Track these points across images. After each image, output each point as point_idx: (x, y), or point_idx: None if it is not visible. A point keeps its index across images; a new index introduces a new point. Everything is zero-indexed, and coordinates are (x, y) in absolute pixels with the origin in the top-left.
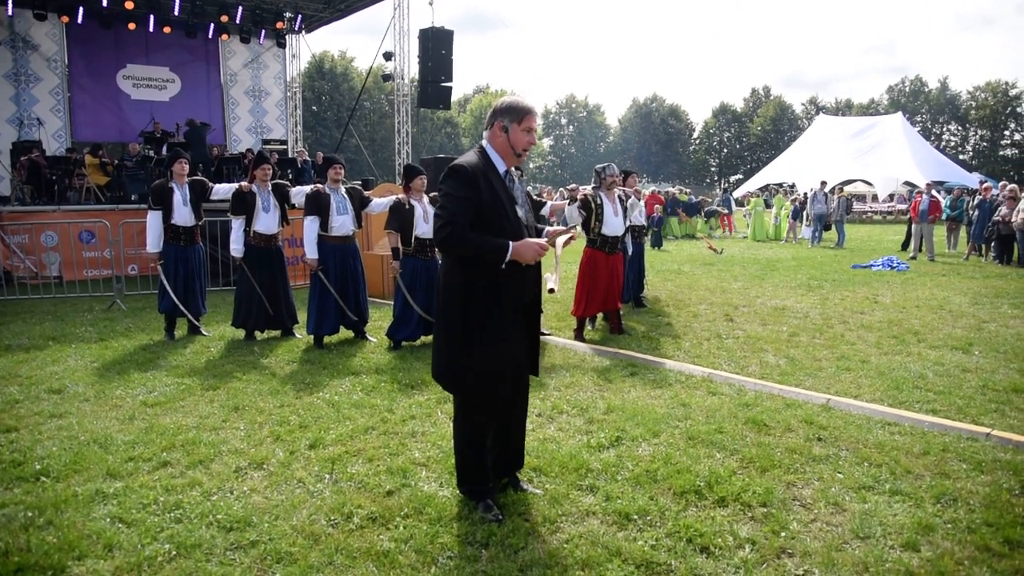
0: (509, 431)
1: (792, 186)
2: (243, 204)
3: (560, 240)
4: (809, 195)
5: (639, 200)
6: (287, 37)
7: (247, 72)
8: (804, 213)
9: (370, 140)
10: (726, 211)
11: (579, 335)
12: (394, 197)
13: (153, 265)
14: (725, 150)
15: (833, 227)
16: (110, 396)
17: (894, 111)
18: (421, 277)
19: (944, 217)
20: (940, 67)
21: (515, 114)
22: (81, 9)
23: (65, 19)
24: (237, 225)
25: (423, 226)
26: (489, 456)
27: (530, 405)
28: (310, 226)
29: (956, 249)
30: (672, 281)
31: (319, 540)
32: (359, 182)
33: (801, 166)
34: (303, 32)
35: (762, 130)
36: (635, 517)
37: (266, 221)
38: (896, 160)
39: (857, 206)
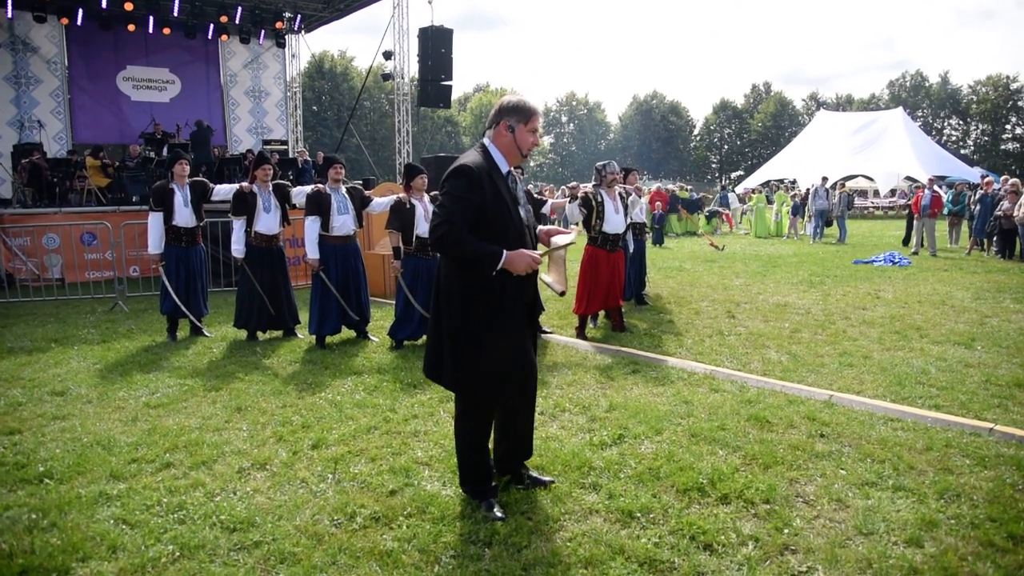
0: (516, 422)
1: (793, 182)
2: (244, 205)
3: (560, 240)
4: (811, 191)
5: (640, 197)
6: (287, 37)
7: (247, 72)
8: (805, 209)
9: (371, 139)
10: (726, 210)
11: (581, 333)
12: (395, 196)
13: (155, 266)
14: (726, 146)
15: (835, 223)
16: (113, 398)
17: (895, 106)
18: (422, 276)
19: (946, 212)
20: (940, 62)
21: (522, 114)
22: (80, 11)
23: (65, 21)
24: (238, 226)
25: (424, 225)
26: (489, 456)
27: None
28: (311, 226)
29: (958, 244)
30: (674, 278)
31: (322, 540)
32: (360, 182)
33: (802, 162)
34: (302, 32)
35: (763, 126)
36: (638, 515)
37: (267, 221)
38: (897, 155)
39: (858, 201)
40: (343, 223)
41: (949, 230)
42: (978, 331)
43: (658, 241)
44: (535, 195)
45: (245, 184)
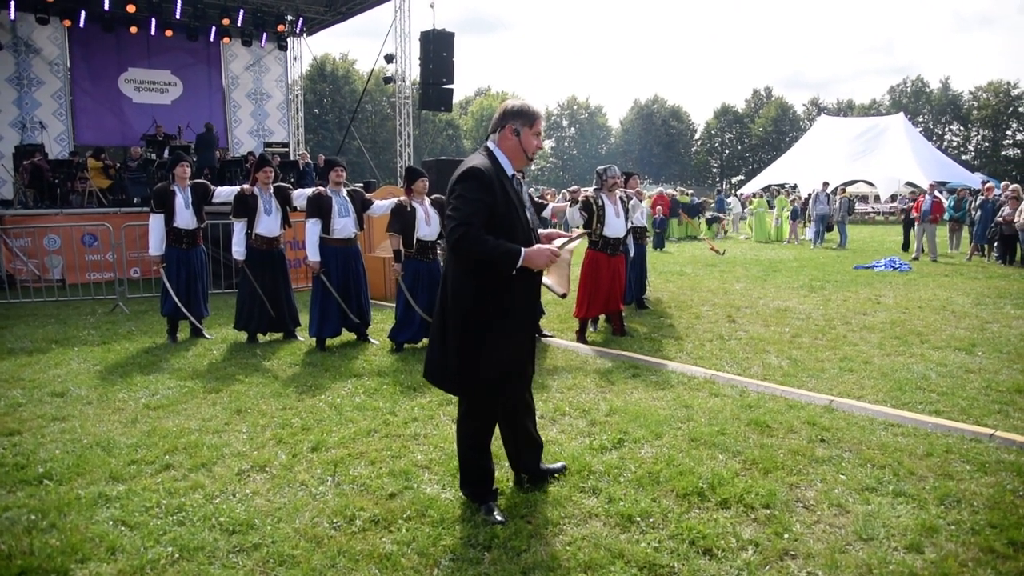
0: (517, 421)
1: (794, 187)
2: (245, 207)
3: (567, 244)
4: (811, 196)
5: (641, 202)
6: (288, 40)
7: (249, 75)
8: (806, 213)
9: (372, 142)
10: (721, 214)
11: (581, 337)
12: (396, 199)
13: (155, 268)
14: (727, 151)
15: (835, 228)
16: (113, 399)
17: (896, 111)
18: (423, 279)
19: (947, 217)
20: (940, 67)
21: (527, 118)
22: (83, 13)
23: (67, 23)
24: (239, 228)
25: (425, 228)
26: (491, 459)
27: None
28: (312, 229)
29: (959, 249)
30: (674, 282)
31: (321, 543)
32: (361, 184)
33: (803, 167)
34: (304, 35)
35: (763, 131)
36: (638, 519)
37: (268, 224)
38: (898, 161)
39: (859, 207)
40: (344, 226)
41: (950, 236)
42: (979, 337)
43: (659, 245)
44: (536, 199)
45: (246, 186)
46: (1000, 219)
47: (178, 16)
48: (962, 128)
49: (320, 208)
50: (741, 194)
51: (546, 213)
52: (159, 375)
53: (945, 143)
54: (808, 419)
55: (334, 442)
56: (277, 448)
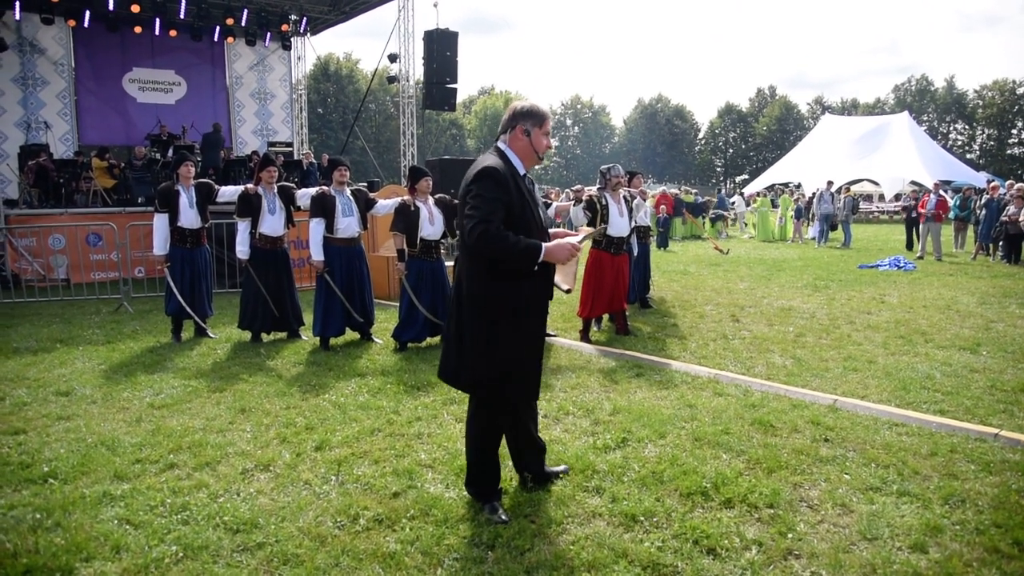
0: (520, 421)
1: (798, 186)
2: (248, 206)
3: (583, 240)
4: (816, 195)
5: (644, 201)
6: (292, 39)
7: (252, 75)
8: (810, 212)
9: (375, 142)
10: (725, 212)
11: (585, 336)
12: (399, 199)
13: (160, 267)
14: (731, 150)
15: (840, 227)
16: (117, 398)
17: (900, 110)
18: (426, 278)
19: (952, 216)
20: (945, 66)
21: (536, 118)
22: (88, 13)
23: (72, 23)
24: (243, 227)
25: (428, 228)
26: (499, 459)
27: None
28: (316, 228)
29: (963, 249)
30: (678, 282)
31: (325, 542)
32: (364, 184)
33: (807, 166)
34: (308, 34)
35: (768, 130)
36: (641, 518)
37: (272, 223)
38: (903, 159)
39: (864, 206)
40: (347, 225)
41: (955, 235)
42: (983, 336)
43: (662, 244)
44: (540, 198)
45: (250, 186)
46: (1005, 218)
47: (182, 16)
48: (967, 127)
49: (324, 207)
50: (744, 193)
51: (550, 212)
52: (163, 374)
53: (950, 142)
54: (812, 418)
55: (338, 441)
56: (281, 447)
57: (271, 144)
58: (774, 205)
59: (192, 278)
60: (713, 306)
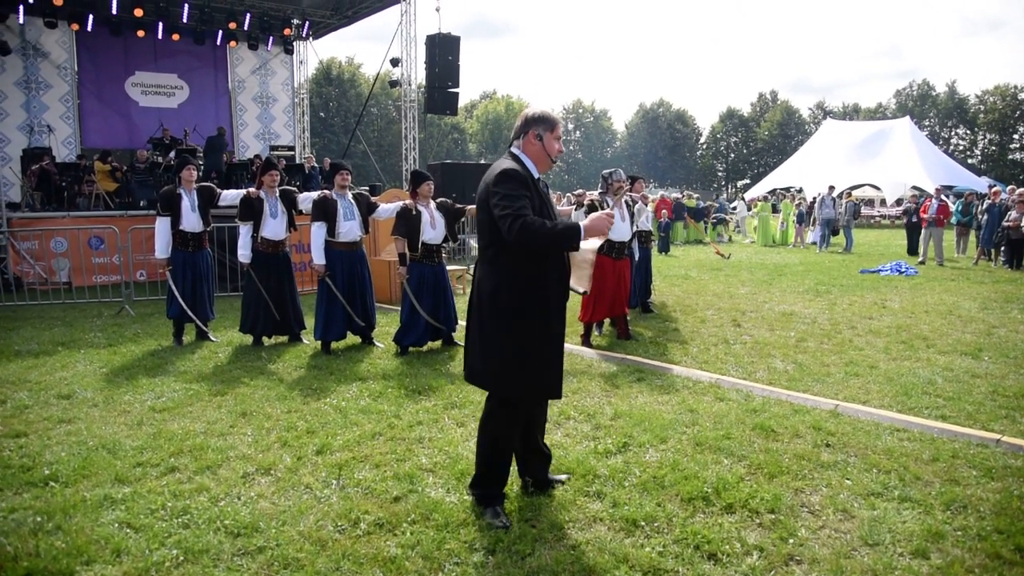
0: (532, 427)
1: (800, 190)
2: (250, 210)
3: (592, 244)
4: (817, 200)
5: (646, 205)
6: (295, 44)
7: (255, 79)
8: (811, 217)
9: (377, 146)
10: (725, 216)
11: (586, 341)
12: (401, 203)
13: (161, 271)
14: (732, 155)
15: (841, 232)
16: (119, 401)
17: (902, 115)
18: (428, 283)
19: (954, 221)
20: (947, 71)
21: (548, 124)
22: (91, 17)
23: (75, 27)
24: (244, 231)
25: (430, 232)
26: (509, 465)
27: None
28: (317, 232)
29: (965, 254)
30: (679, 286)
31: (326, 546)
32: (366, 188)
33: (809, 171)
34: (310, 39)
35: (769, 135)
36: (642, 523)
37: (273, 227)
38: (904, 164)
39: (865, 211)
40: (349, 229)
41: (957, 240)
42: (985, 341)
43: (664, 249)
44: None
45: (252, 190)
46: (1007, 223)
47: (185, 20)
48: (969, 132)
49: (325, 211)
50: (746, 198)
51: None
52: (165, 378)
53: (952, 147)
54: (813, 424)
55: (339, 445)
56: (282, 451)
57: (273, 148)
58: (775, 210)
59: (194, 281)
60: (714, 311)
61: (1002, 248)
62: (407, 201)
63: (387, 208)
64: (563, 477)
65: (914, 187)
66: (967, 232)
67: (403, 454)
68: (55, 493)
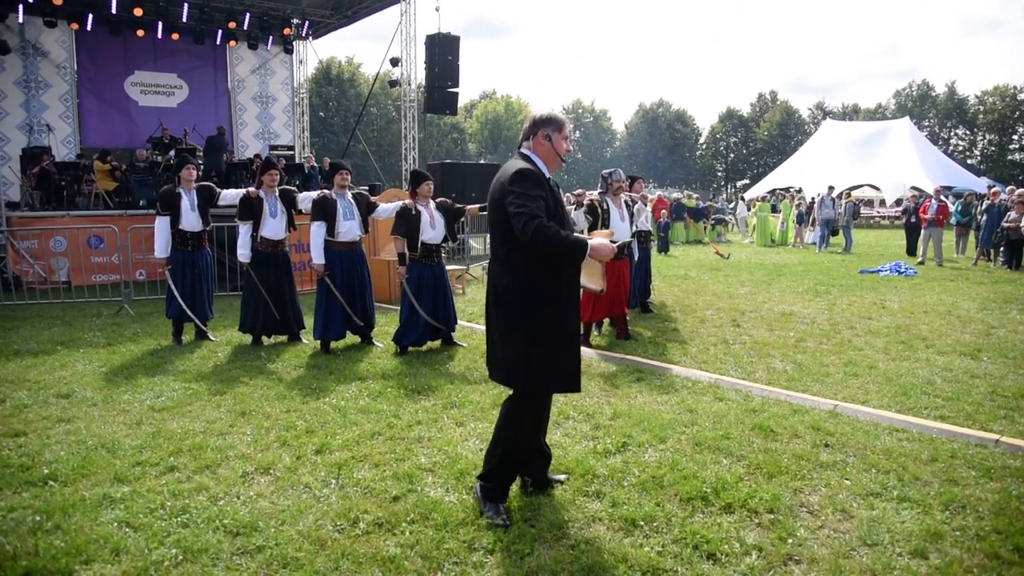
0: (540, 428)
1: (799, 191)
2: (250, 210)
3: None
4: (816, 200)
5: (645, 205)
6: (294, 43)
7: (254, 78)
8: (810, 217)
9: (377, 146)
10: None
11: (585, 340)
12: (401, 202)
13: (161, 270)
14: (732, 155)
15: (840, 232)
16: (118, 401)
17: (901, 116)
18: (427, 282)
19: (953, 222)
20: (946, 72)
21: (556, 124)
22: (90, 16)
23: (75, 26)
24: (244, 230)
25: (429, 231)
26: (523, 463)
27: None
28: (317, 231)
29: (964, 254)
30: (678, 286)
31: (325, 545)
32: (366, 187)
33: (808, 171)
34: (310, 38)
35: (769, 135)
36: (641, 523)
37: (273, 227)
38: (904, 165)
39: (864, 211)
40: (349, 229)
41: (956, 240)
42: (984, 342)
43: (663, 249)
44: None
45: (251, 189)
46: (1006, 224)
47: (184, 19)
48: (968, 132)
49: (325, 211)
50: (745, 198)
51: None
52: (164, 377)
53: (951, 147)
54: (812, 424)
55: (338, 445)
56: (281, 451)
57: (272, 147)
58: (775, 210)
59: (193, 281)
60: (714, 311)
61: (1001, 248)
62: (407, 201)
63: (387, 208)
64: (562, 477)
65: (913, 187)
66: (966, 232)
67: (402, 454)
68: (54, 492)
